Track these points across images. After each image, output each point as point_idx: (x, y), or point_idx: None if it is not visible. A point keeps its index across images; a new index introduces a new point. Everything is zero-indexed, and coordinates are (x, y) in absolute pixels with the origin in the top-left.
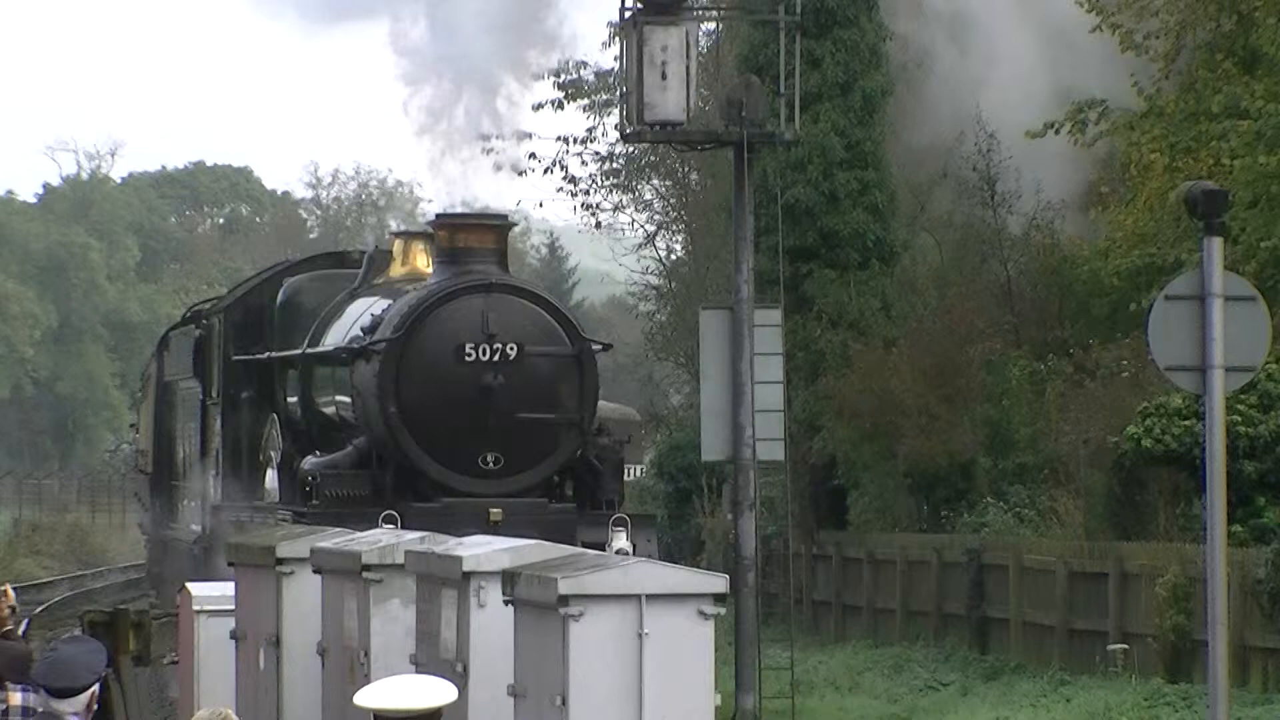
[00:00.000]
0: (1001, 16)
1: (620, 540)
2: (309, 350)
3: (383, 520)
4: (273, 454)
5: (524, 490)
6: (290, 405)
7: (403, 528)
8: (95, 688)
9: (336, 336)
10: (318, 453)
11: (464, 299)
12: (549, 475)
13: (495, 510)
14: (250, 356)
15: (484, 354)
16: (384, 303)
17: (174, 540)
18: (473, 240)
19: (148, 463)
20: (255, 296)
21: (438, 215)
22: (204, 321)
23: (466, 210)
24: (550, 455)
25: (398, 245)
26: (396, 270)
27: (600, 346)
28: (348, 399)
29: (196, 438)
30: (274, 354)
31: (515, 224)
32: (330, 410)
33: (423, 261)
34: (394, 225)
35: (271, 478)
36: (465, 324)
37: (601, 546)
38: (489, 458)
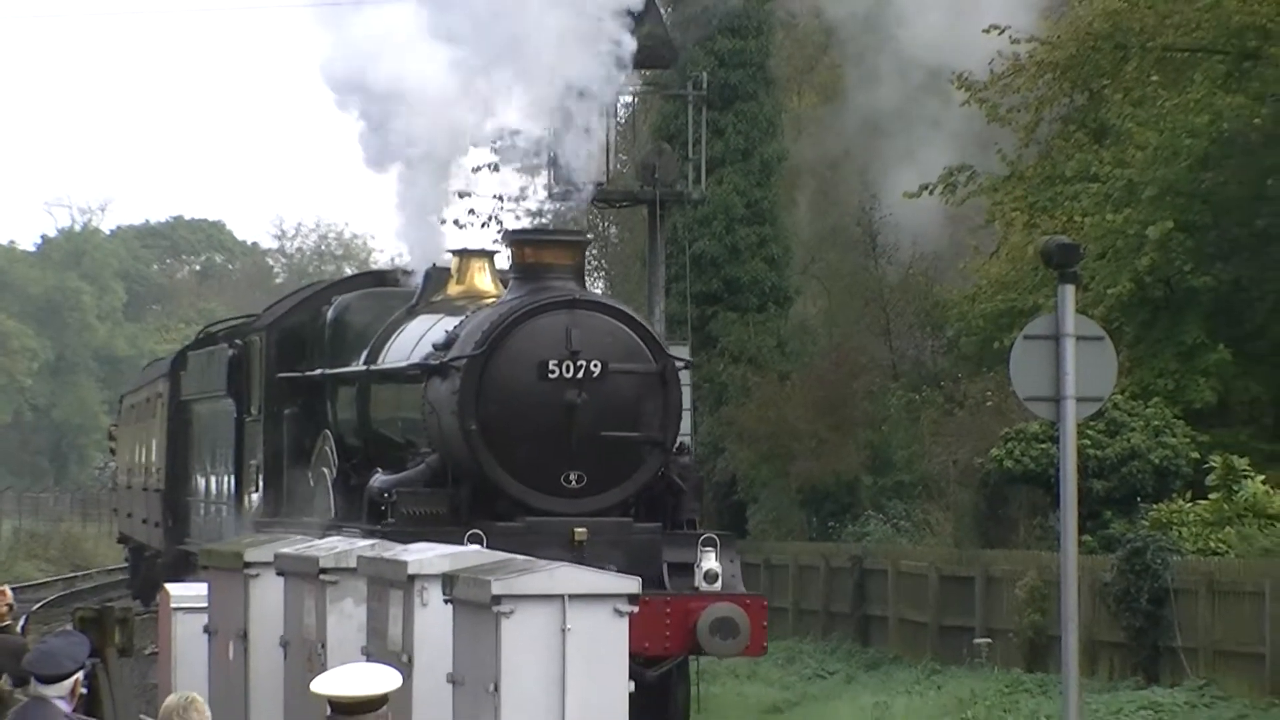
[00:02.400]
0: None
1: (709, 560)
2: (376, 367)
3: (468, 540)
4: (325, 471)
5: (605, 510)
6: (343, 422)
7: (487, 548)
8: (79, 675)
9: (399, 354)
10: (379, 470)
11: (547, 315)
12: (632, 495)
13: (580, 530)
14: (299, 374)
15: (567, 371)
16: (453, 320)
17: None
18: (549, 257)
19: (160, 480)
20: (296, 315)
21: (512, 232)
22: (239, 341)
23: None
24: (633, 474)
25: (456, 263)
26: (454, 288)
27: (684, 364)
28: (416, 416)
29: (230, 454)
30: (329, 370)
31: (590, 241)
32: (393, 427)
33: (481, 280)
34: (348, 272)
35: (325, 494)
36: (548, 340)
37: (688, 566)
38: (571, 476)
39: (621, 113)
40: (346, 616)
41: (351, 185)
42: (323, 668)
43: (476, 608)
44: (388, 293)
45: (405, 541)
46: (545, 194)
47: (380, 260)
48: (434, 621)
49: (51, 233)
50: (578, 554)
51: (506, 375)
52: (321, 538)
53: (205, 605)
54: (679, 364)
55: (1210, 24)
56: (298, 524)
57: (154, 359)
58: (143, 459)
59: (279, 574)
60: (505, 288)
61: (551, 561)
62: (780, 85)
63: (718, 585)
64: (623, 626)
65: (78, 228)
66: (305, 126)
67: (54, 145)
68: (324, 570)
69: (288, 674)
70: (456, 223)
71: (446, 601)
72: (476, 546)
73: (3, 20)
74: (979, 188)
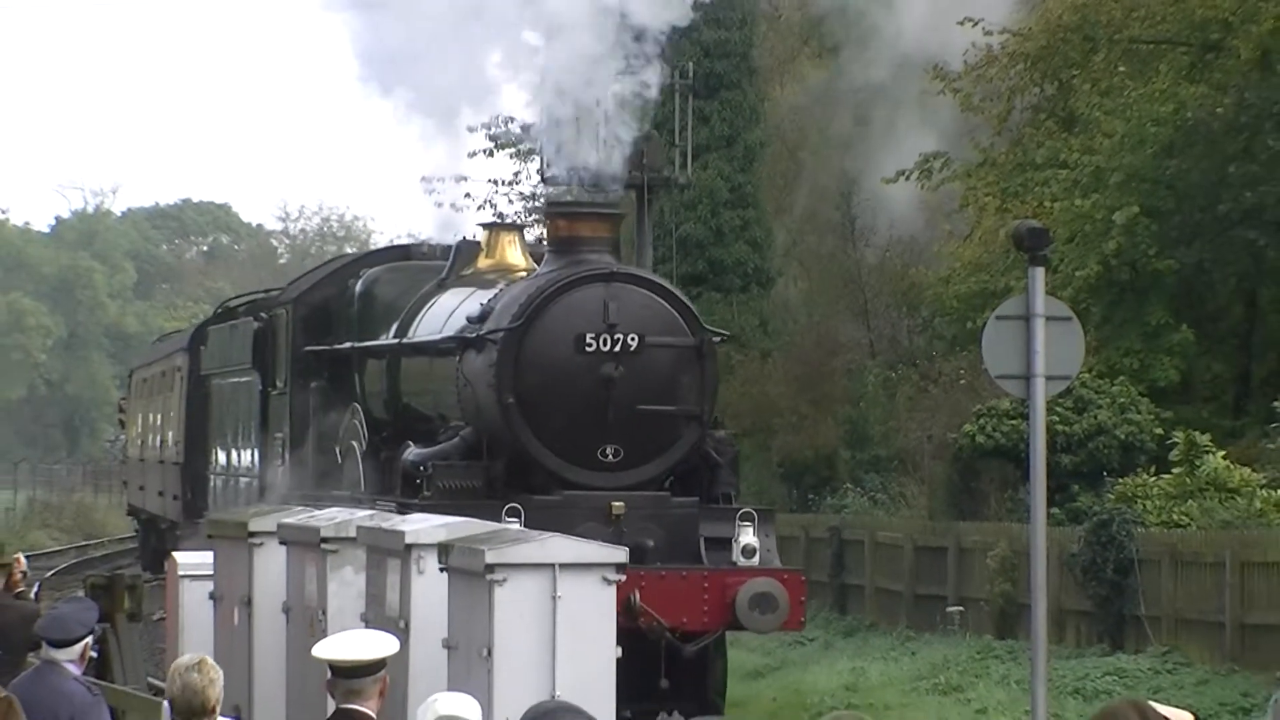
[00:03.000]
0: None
1: (747, 535)
2: (409, 340)
3: (506, 514)
4: (354, 444)
5: (642, 484)
6: (372, 395)
7: (525, 522)
8: (89, 639)
9: (431, 327)
10: (410, 444)
11: (584, 288)
12: (669, 469)
13: (617, 504)
14: (328, 347)
15: (604, 344)
16: (486, 293)
17: None
18: (586, 229)
19: (178, 453)
20: (322, 289)
21: (550, 204)
22: (263, 315)
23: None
24: (670, 448)
25: (486, 237)
26: (484, 262)
27: (720, 338)
28: (448, 389)
29: (254, 427)
30: (358, 344)
31: (625, 214)
32: (424, 401)
33: (511, 254)
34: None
35: (354, 467)
36: (585, 313)
37: (724, 541)
38: (608, 450)
39: (613, 101)
40: (346, 584)
41: (353, 169)
42: (323, 633)
43: (471, 576)
44: (416, 266)
45: (443, 514)
46: (538, 178)
47: (379, 240)
48: (430, 589)
49: (65, 214)
50: (615, 528)
51: (544, 348)
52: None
53: (211, 573)
54: (715, 339)
55: (1174, 17)
56: (328, 497)
57: (163, 334)
58: (158, 432)
59: (282, 543)
60: (535, 262)
61: (542, 532)
62: (763, 75)
63: (755, 560)
64: (610, 594)
65: (90, 210)
66: (310, 111)
67: (66, 129)
68: (325, 540)
69: (290, 639)
70: (454, 206)
71: (442, 570)
72: (516, 521)
73: (15, 9)
74: (954, 174)
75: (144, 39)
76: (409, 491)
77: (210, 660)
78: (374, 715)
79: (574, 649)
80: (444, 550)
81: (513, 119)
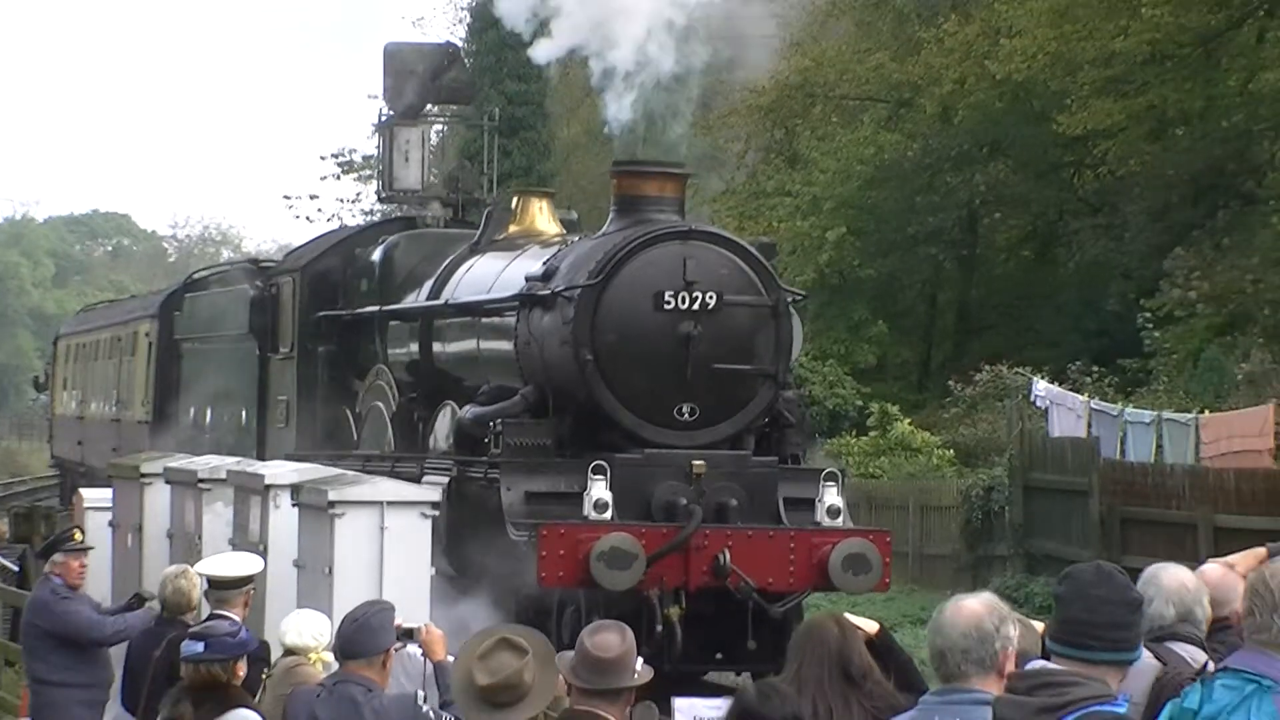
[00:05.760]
0: None
1: (832, 495)
2: (453, 301)
3: (593, 471)
4: (378, 404)
5: (716, 443)
6: (396, 358)
7: (610, 479)
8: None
9: (472, 288)
10: (448, 404)
11: (662, 245)
12: (744, 428)
13: (698, 462)
14: (346, 312)
15: (682, 302)
16: (544, 252)
17: None
18: (652, 188)
19: (147, 413)
20: (327, 259)
21: (616, 163)
22: (259, 284)
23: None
24: (745, 407)
25: (517, 202)
26: (513, 228)
27: (797, 297)
28: (497, 348)
29: (252, 391)
30: (385, 307)
31: (692, 174)
32: (462, 361)
33: (540, 220)
34: (226, 255)
35: (381, 426)
36: (663, 271)
37: (802, 501)
38: (684, 408)
39: (434, 137)
40: (217, 515)
41: (229, 186)
42: (199, 555)
43: (317, 510)
44: (436, 234)
45: (517, 473)
46: (375, 197)
47: (249, 246)
48: (284, 520)
49: None
50: (696, 486)
51: (622, 305)
52: (390, 469)
53: (110, 505)
54: (791, 299)
55: (875, 79)
56: (350, 456)
57: (87, 307)
58: (109, 392)
59: (167, 482)
60: (563, 227)
61: (372, 476)
62: (554, 119)
63: (839, 521)
64: (427, 526)
65: (18, 216)
66: (198, 130)
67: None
68: (201, 480)
69: (172, 558)
70: (308, 219)
71: (294, 505)
72: (602, 479)
73: None
74: (702, 200)
75: (58, 73)
76: (469, 449)
77: (191, 570)
78: (239, 619)
79: (397, 567)
80: (296, 490)
81: (354, 150)
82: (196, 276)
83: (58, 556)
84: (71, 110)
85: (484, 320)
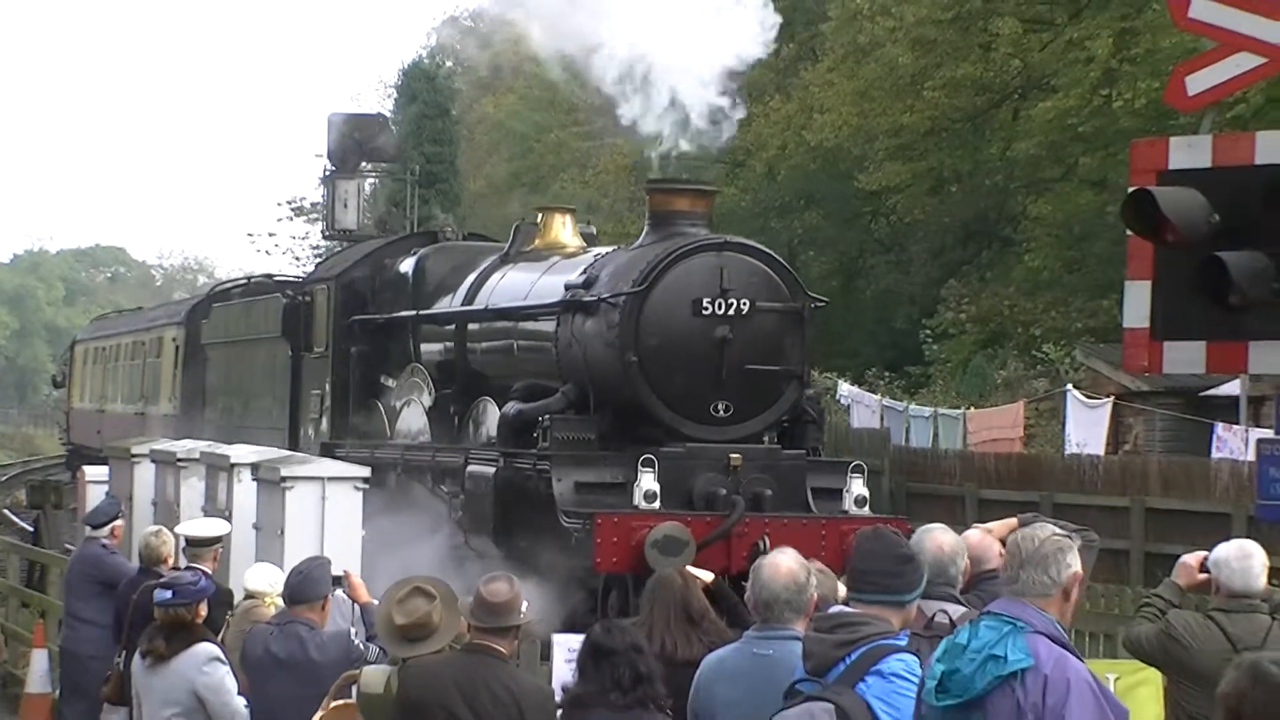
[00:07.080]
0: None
1: (858, 485)
2: (492, 306)
3: (642, 463)
4: (415, 398)
5: (747, 438)
6: (429, 358)
7: (657, 470)
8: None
9: (508, 295)
10: (486, 399)
11: (699, 256)
12: (772, 424)
13: (735, 455)
14: (381, 316)
15: (719, 308)
16: (581, 261)
17: None
18: (683, 204)
19: (176, 408)
20: (358, 270)
21: (651, 181)
22: (289, 292)
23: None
24: (774, 404)
25: (543, 219)
26: (539, 241)
27: (819, 304)
28: (535, 350)
29: (285, 388)
30: (422, 311)
31: (719, 191)
32: (495, 362)
33: (563, 234)
34: (202, 281)
35: (418, 418)
36: (701, 279)
37: (829, 491)
38: (720, 406)
39: (368, 188)
40: (193, 488)
41: (206, 223)
42: (178, 519)
43: (272, 484)
44: (463, 246)
45: (565, 465)
46: (320, 235)
47: (220, 273)
48: (246, 492)
49: (19, 251)
50: (734, 478)
51: (663, 311)
52: (431, 458)
53: (107, 479)
54: (814, 304)
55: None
56: (386, 444)
57: (100, 316)
58: (136, 389)
59: (152, 461)
60: (584, 241)
61: (314, 457)
62: (463, 173)
63: (866, 510)
64: (359, 498)
65: (35, 249)
66: (182, 180)
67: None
68: (179, 459)
69: (156, 522)
70: (267, 253)
71: (254, 480)
72: (650, 471)
73: None
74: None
75: (67, 130)
76: (515, 442)
77: (165, 530)
78: (209, 570)
79: (335, 530)
80: (255, 467)
81: (304, 197)
82: (219, 290)
83: (114, 524)
84: (78, 161)
85: (521, 324)
